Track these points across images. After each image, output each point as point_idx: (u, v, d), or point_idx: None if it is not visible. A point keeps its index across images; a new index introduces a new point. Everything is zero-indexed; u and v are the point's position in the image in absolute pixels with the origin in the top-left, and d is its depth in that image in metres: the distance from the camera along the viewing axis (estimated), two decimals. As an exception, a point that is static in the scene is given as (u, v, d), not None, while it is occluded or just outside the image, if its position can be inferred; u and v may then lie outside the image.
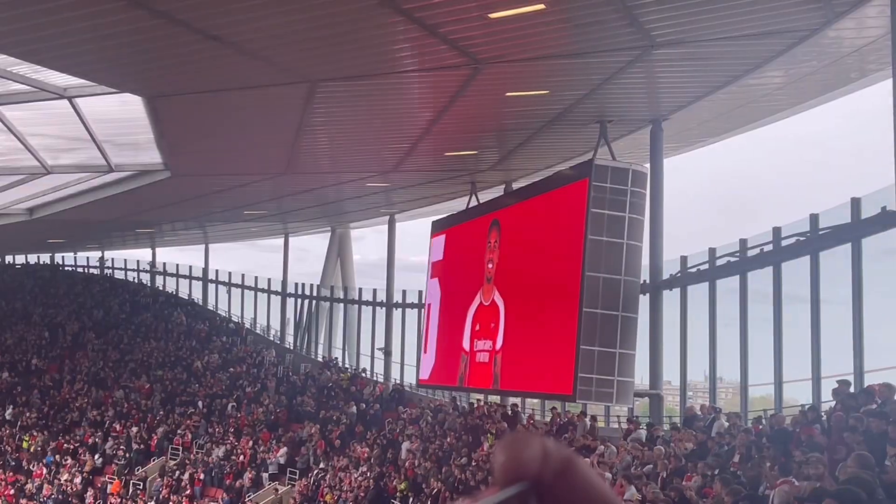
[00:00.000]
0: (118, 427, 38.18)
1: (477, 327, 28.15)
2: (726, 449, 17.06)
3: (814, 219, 19.93)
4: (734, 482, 13.71)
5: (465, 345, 28.62)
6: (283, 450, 33.33)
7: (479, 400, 31.07)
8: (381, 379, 38.74)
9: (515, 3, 16.22)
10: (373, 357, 40.94)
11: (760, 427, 17.52)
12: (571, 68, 20.41)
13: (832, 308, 20.51)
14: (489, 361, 27.02)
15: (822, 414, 16.21)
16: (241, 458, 33.89)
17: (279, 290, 46.75)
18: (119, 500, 34.73)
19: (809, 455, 13.15)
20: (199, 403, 38.69)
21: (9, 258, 56.08)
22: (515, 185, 30.58)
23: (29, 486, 36.34)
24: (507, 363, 26.13)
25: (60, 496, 35.53)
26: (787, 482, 12.52)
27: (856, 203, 18.59)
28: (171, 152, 27.87)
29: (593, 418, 24.49)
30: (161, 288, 52.20)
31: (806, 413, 16.42)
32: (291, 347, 45.36)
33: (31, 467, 37.48)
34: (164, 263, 53.22)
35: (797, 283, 21.07)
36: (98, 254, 54.97)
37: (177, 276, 52.02)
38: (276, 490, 32.17)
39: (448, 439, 27.93)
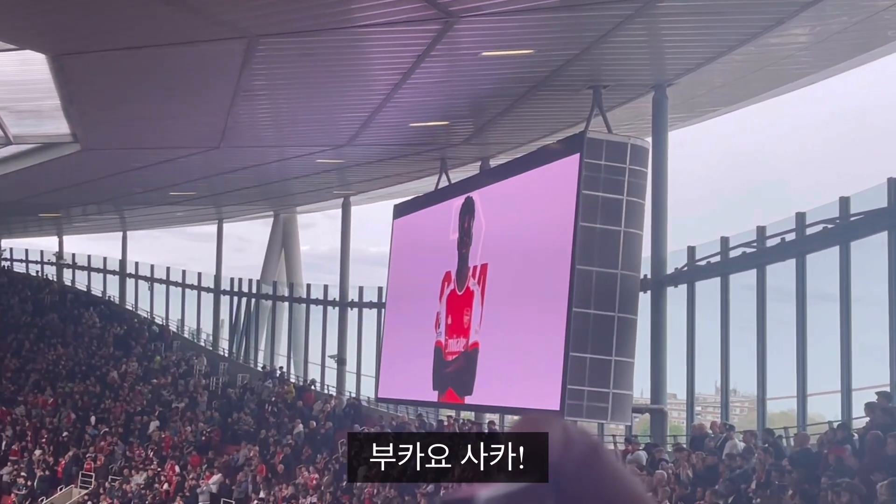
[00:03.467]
0: (17, 449, 37.91)
1: (449, 321, 28.12)
2: (739, 473, 17.17)
3: (843, 202, 20.07)
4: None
5: (437, 340, 28.53)
6: (217, 476, 33.23)
7: (449, 416, 31.07)
8: (333, 392, 38.71)
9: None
10: (324, 366, 40.90)
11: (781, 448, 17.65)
12: (560, 23, 20.41)
13: (865, 308, 20.66)
14: (462, 360, 27.05)
15: (854, 433, 16.34)
16: (166, 486, 33.75)
17: (212, 286, 46.59)
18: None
19: (839, 481, 13.25)
20: (115, 422, 38.51)
21: None
22: (493, 163, 30.61)
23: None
24: (483, 372, 26.15)
25: (-51, 532, 35.32)
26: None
27: (893, 184, 18.72)
28: (81, 121, 27.65)
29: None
30: (70, 284, 51.88)
31: (835, 431, 16.55)
32: (226, 355, 45.22)
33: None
34: (74, 255, 53.00)
35: (824, 279, 21.23)
36: (-6, 243, 54.60)
37: (88, 269, 51.77)
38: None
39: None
